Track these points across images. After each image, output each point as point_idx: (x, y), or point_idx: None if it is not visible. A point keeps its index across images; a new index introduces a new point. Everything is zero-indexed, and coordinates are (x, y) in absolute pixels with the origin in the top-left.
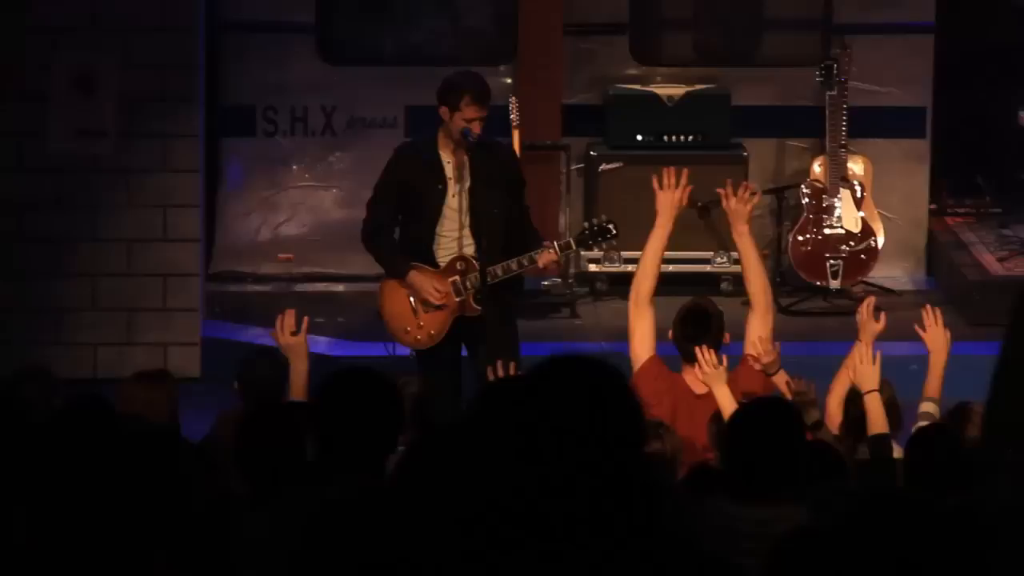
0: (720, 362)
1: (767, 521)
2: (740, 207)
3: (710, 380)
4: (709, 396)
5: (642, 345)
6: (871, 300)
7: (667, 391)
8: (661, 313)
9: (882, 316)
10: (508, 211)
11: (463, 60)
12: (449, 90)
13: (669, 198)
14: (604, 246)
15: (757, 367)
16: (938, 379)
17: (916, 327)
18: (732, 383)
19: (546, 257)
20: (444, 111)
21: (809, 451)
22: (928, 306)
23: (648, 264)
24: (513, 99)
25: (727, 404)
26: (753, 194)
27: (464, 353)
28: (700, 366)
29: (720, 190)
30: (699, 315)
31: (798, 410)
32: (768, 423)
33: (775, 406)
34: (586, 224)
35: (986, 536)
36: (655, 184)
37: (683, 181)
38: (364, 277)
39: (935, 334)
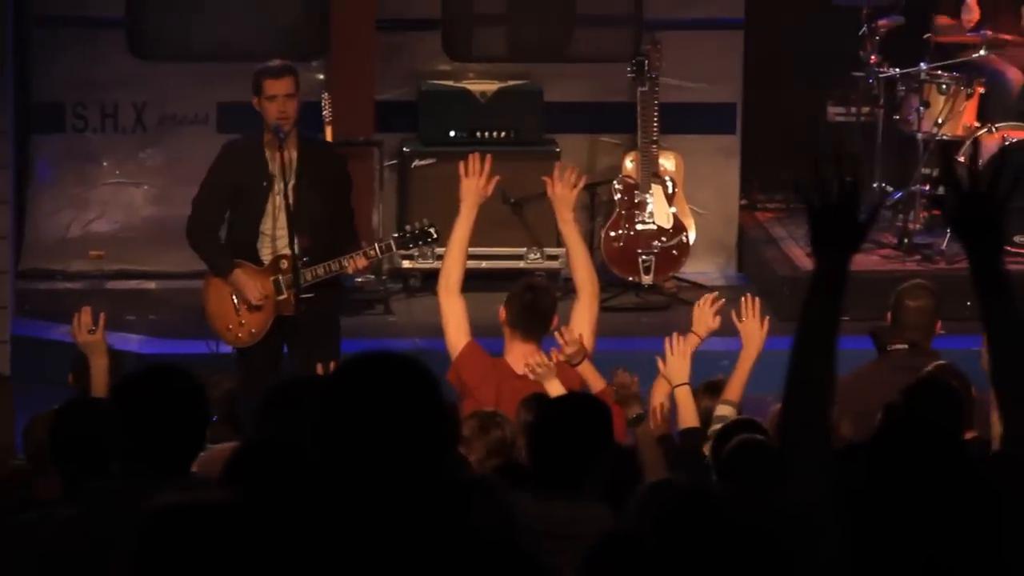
0: (549, 359)
1: (570, 519)
2: (565, 192)
3: (542, 379)
4: None
5: (458, 332)
6: (713, 296)
7: (490, 373)
8: (478, 310)
9: (718, 318)
10: (332, 211)
11: (275, 55)
12: (253, 79)
13: (473, 185)
14: (425, 249)
15: (560, 357)
16: (742, 381)
17: (733, 315)
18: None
19: (356, 263)
20: (255, 101)
21: (616, 449)
22: (747, 296)
23: (455, 252)
24: (326, 95)
25: (591, 378)
26: (579, 178)
27: (285, 351)
28: (531, 367)
29: (546, 178)
30: (538, 290)
31: (604, 407)
32: (570, 420)
33: (579, 403)
34: (407, 227)
35: (790, 536)
36: (461, 171)
37: (487, 168)
38: (175, 274)
39: (751, 326)
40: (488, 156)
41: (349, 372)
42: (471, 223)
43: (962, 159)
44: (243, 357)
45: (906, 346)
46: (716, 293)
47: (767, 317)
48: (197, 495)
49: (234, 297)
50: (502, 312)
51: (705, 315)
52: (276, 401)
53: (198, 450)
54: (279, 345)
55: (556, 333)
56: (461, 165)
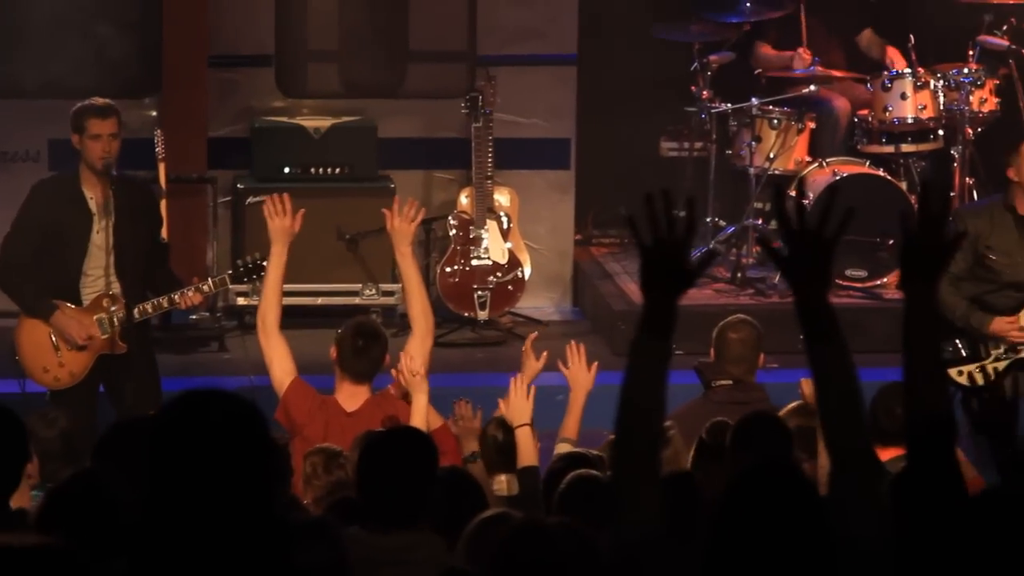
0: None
1: (404, 548)
2: (404, 226)
3: (412, 387)
4: (361, 413)
5: (282, 371)
6: (533, 336)
7: (318, 410)
8: (314, 347)
9: (543, 354)
10: (150, 248)
11: (106, 93)
12: (73, 117)
13: (280, 224)
14: (257, 283)
15: (396, 392)
16: (576, 419)
17: (559, 364)
18: (377, 405)
19: (189, 299)
20: (75, 139)
21: (449, 480)
22: (573, 343)
23: (270, 293)
24: (159, 132)
25: (418, 417)
26: (418, 212)
27: (101, 390)
28: (402, 372)
29: (385, 211)
30: (367, 329)
31: (428, 440)
32: (394, 454)
33: (402, 436)
34: (239, 261)
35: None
36: (266, 214)
37: (288, 206)
38: None
39: (577, 372)
40: (286, 195)
41: (174, 411)
42: (284, 262)
43: (793, 193)
44: (57, 398)
45: (729, 382)
46: (535, 334)
47: (595, 363)
48: (8, 538)
49: (53, 338)
50: (333, 351)
51: (528, 360)
52: (111, 440)
53: (13, 488)
54: (96, 385)
55: (395, 369)
56: (264, 209)
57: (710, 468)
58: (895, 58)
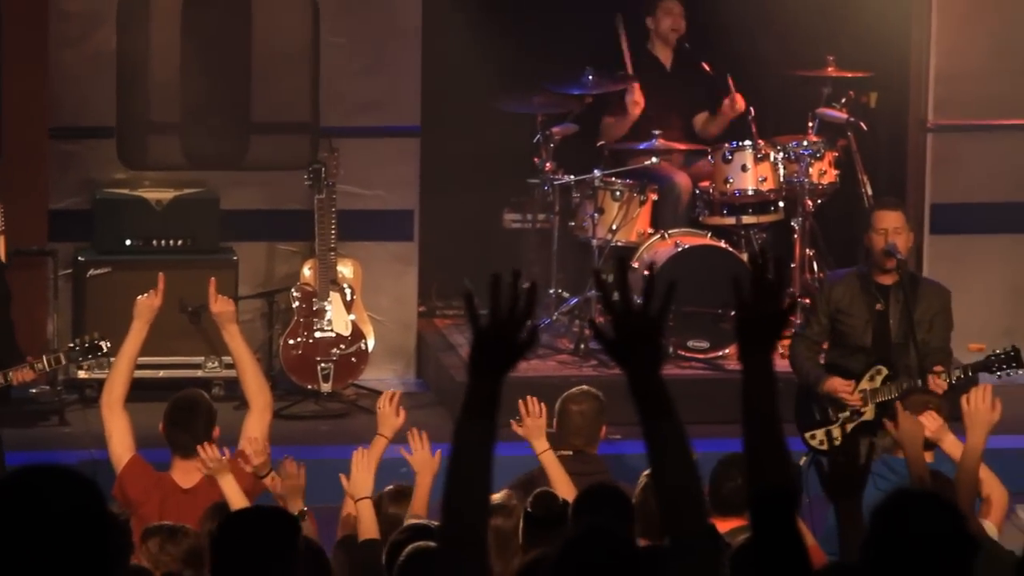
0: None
1: None
2: (224, 308)
3: (215, 472)
4: (197, 490)
5: (122, 446)
6: (393, 393)
7: (154, 488)
8: (156, 420)
9: (403, 412)
10: None
11: None
12: None
13: (148, 303)
14: (101, 360)
15: (248, 468)
16: (423, 499)
17: (402, 451)
18: (213, 481)
19: (21, 376)
20: None
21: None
22: (414, 430)
23: (123, 367)
24: None
25: (233, 496)
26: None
27: None
28: (203, 462)
29: (211, 288)
30: (188, 403)
31: (287, 516)
32: (251, 531)
33: (259, 517)
34: (78, 340)
35: None
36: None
37: (161, 287)
38: None
39: (421, 456)
40: (162, 275)
41: (9, 487)
42: (142, 339)
43: (635, 264)
44: None
45: (571, 452)
46: (395, 390)
47: (439, 451)
48: None
49: None
50: (160, 427)
51: (388, 415)
52: None
53: None
54: None
55: (243, 442)
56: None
57: (539, 537)
58: (736, 99)
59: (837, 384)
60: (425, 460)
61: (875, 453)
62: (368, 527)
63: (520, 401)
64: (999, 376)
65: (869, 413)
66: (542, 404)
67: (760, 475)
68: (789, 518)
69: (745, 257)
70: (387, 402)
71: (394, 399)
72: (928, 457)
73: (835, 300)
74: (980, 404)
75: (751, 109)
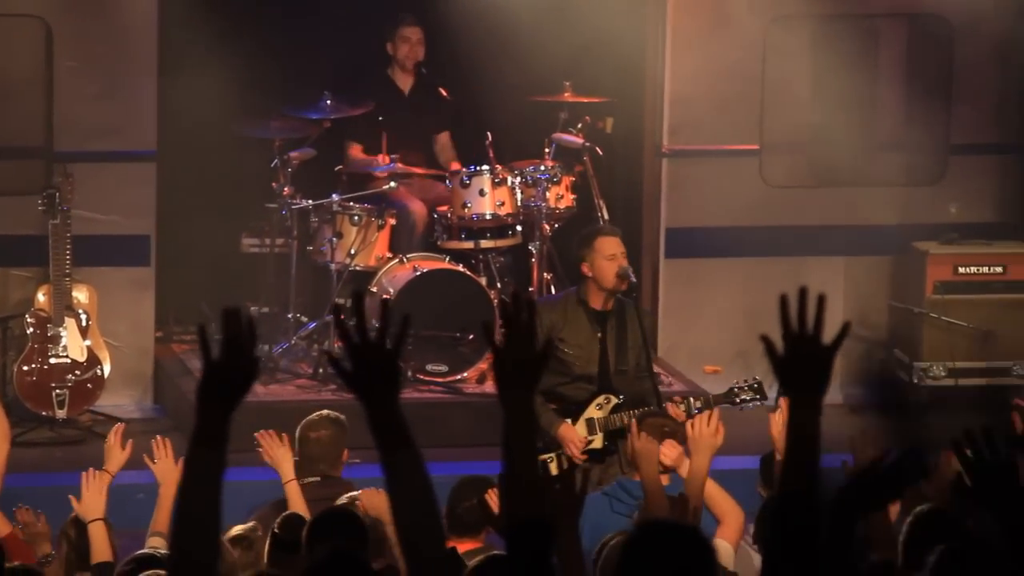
0: None
1: None
2: None
3: None
4: None
5: None
6: (120, 427)
7: None
8: None
9: (129, 443)
10: None
11: None
12: None
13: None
14: None
15: None
16: (167, 513)
17: (145, 458)
18: None
19: None
20: None
21: None
22: (159, 437)
23: None
24: None
25: None
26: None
27: None
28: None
29: None
30: None
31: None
32: None
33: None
34: None
35: None
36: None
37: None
38: None
39: (164, 466)
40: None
41: None
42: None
43: (374, 289)
44: None
45: (318, 478)
46: (121, 425)
47: (180, 460)
48: None
49: None
50: None
51: (114, 451)
52: None
53: None
54: None
55: None
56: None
57: (284, 561)
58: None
59: (570, 433)
60: (168, 469)
61: (588, 484)
62: (101, 550)
63: (256, 435)
64: (741, 408)
65: (598, 442)
66: (283, 434)
67: (516, 506)
68: (544, 549)
69: (484, 281)
70: (113, 435)
71: (118, 433)
72: (664, 480)
73: (548, 327)
74: (704, 429)
75: (488, 134)
